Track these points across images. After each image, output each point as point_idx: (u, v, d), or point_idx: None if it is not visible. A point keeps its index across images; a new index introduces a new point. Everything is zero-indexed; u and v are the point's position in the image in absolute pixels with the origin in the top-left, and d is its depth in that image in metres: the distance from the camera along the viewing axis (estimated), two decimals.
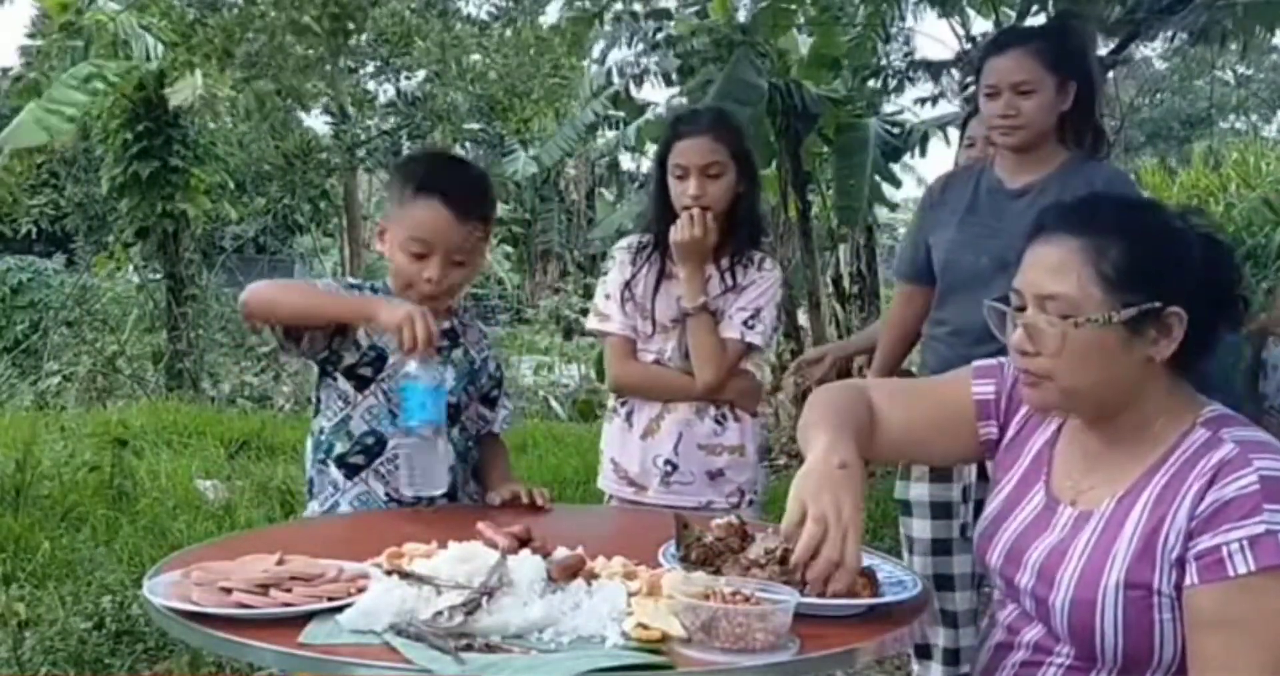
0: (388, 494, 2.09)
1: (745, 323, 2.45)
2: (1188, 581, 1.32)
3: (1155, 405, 1.42)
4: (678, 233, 2.41)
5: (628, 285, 2.51)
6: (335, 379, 2.09)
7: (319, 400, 2.14)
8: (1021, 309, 1.44)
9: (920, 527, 2.71)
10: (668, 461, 2.45)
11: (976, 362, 1.66)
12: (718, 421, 2.47)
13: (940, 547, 2.63)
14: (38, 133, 8.33)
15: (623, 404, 2.54)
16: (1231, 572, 1.29)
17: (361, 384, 2.08)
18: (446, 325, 2.14)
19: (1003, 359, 1.61)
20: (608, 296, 2.53)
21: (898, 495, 2.78)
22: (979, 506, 2.54)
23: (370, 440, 2.08)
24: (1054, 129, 2.55)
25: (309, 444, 2.17)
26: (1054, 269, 1.40)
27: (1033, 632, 1.48)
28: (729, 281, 2.46)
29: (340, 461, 2.10)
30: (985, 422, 1.61)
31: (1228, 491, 1.31)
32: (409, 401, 1.92)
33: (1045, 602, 1.43)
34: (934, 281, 2.70)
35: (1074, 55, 2.62)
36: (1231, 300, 1.42)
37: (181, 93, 8.68)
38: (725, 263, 2.47)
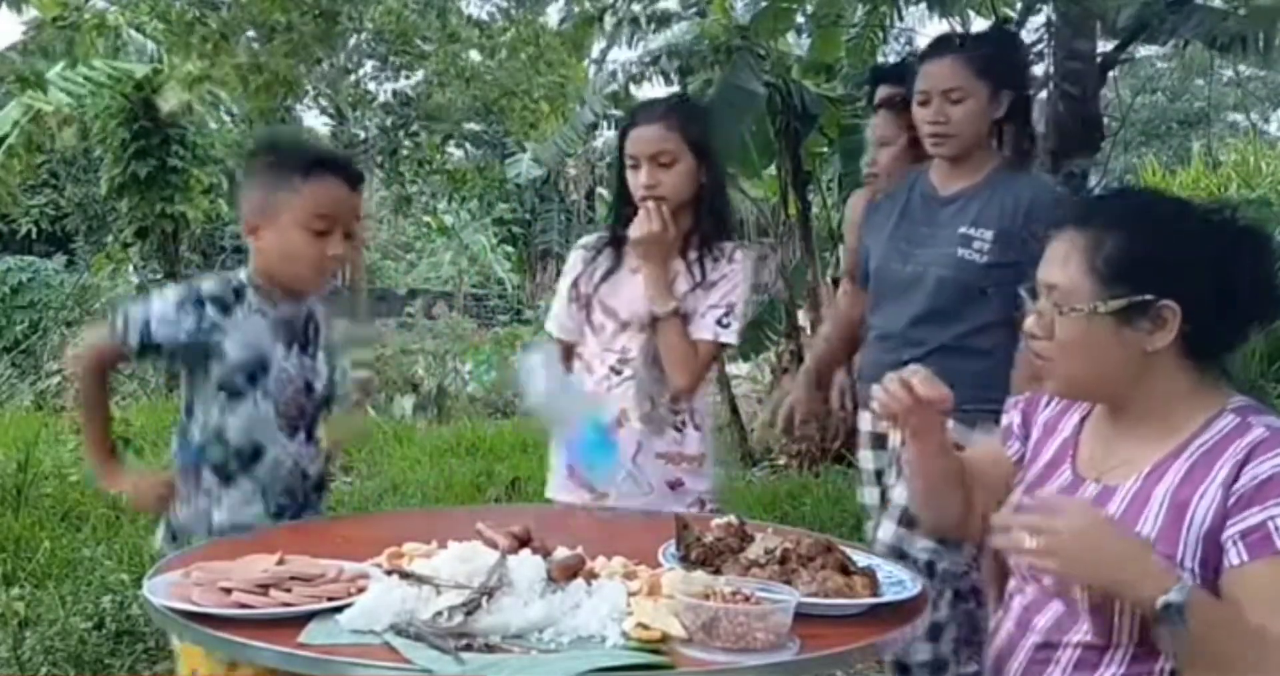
0: (268, 505, 2.05)
1: (719, 321, 2.37)
2: (1234, 561, 1.33)
3: (1172, 396, 1.44)
4: (635, 228, 2.35)
5: (576, 284, 2.46)
6: (208, 384, 2.02)
7: (190, 401, 2.05)
8: (1039, 299, 1.49)
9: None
10: (627, 472, 2.36)
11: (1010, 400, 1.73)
12: (677, 429, 2.40)
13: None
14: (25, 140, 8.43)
15: None
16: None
17: (233, 394, 2.01)
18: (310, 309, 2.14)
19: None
20: (557, 295, 2.53)
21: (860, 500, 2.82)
22: None
23: (248, 451, 2.03)
24: (987, 137, 2.53)
25: (174, 444, 2.09)
26: (1058, 260, 1.46)
27: (1050, 614, 1.49)
28: (697, 276, 2.38)
29: (217, 469, 2.03)
30: (1010, 444, 1.68)
31: (1264, 469, 1.33)
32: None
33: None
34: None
35: (1008, 63, 2.59)
36: (1258, 295, 1.43)
37: (170, 100, 8.69)
38: (693, 256, 2.38)
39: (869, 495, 2.77)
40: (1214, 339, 1.43)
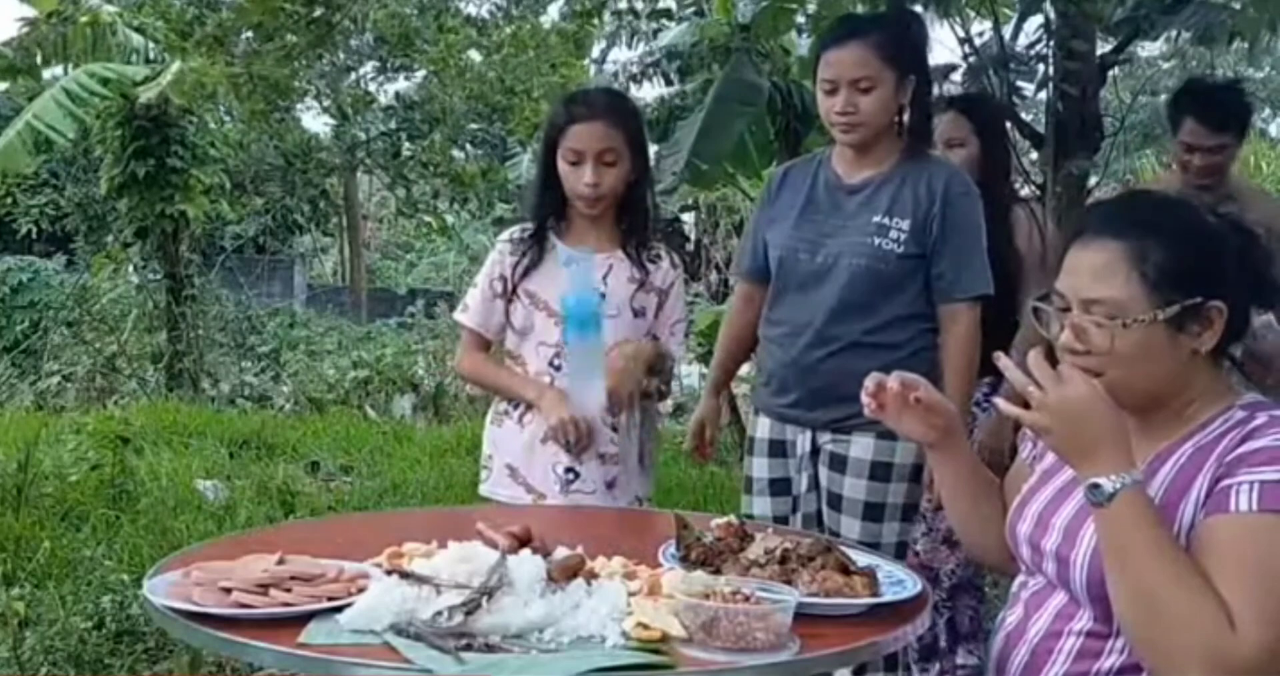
0: None
1: (678, 334, 2.50)
2: (1200, 517, 1.36)
3: (1194, 392, 1.46)
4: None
5: (507, 279, 2.43)
6: None
7: None
8: (1066, 309, 1.47)
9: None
10: (569, 469, 2.39)
11: None
12: (615, 429, 2.42)
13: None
14: (24, 156, 8.44)
15: (514, 406, 2.46)
16: (1233, 508, 1.32)
17: None
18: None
19: None
20: (475, 286, 2.50)
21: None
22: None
23: None
24: (893, 123, 2.46)
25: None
26: (1097, 273, 1.43)
27: (1053, 603, 1.49)
28: (638, 274, 2.42)
29: None
30: (1023, 446, 1.70)
31: (1255, 443, 1.36)
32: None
33: (1067, 561, 1.45)
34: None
35: (913, 48, 2.51)
36: (1264, 285, 1.47)
37: (150, 89, 8.69)
38: (632, 252, 2.43)
39: (760, 505, 2.59)
40: (1236, 331, 1.45)
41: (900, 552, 2.41)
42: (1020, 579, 1.60)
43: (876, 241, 2.42)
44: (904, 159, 2.47)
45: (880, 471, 2.43)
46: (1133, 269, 1.41)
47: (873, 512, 2.45)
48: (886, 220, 2.42)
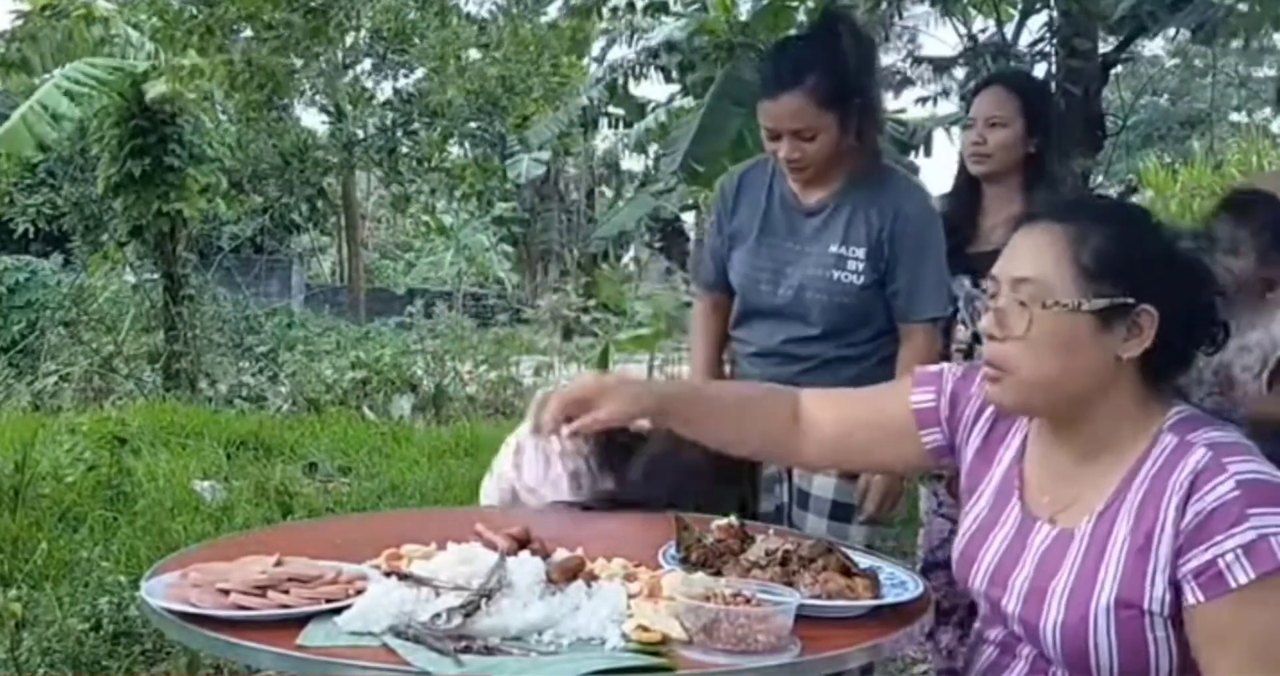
0: None
1: None
2: (1189, 600, 1.29)
3: (1122, 413, 1.38)
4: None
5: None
6: None
7: None
8: (995, 296, 1.40)
9: None
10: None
11: (916, 369, 1.66)
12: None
13: None
14: (27, 140, 8.45)
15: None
16: (1233, 584, 1.25)
17: None
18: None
19: (943, 365, 1.62)
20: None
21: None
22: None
23: None
24: (847, 146, 2.37)
25: None
26: (1032, 253, 1.38)
27: (1026, 651, 1.45)
28: None
29: None
30: (927, 431, 1.60)
31: (1208, 501, 1.28)
32: None
33: (1035, 627, 1.39)
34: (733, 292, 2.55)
35: (849, 78, 2.34)
36: (1208, 320, 1.38)
37: (158, 86, 8.70)
38: None
39: None
40: (1173, 356, 1.38)
41: None
42: (984, 614, 1.54)
43: (835, 275, 2.38)
44: (861, 175, 2.41)
45: (850, 471, 2.39)
46: (1067, 251, 1.34)
47: (840, 512, 2.41)
48: (844, 250, 2.38)
